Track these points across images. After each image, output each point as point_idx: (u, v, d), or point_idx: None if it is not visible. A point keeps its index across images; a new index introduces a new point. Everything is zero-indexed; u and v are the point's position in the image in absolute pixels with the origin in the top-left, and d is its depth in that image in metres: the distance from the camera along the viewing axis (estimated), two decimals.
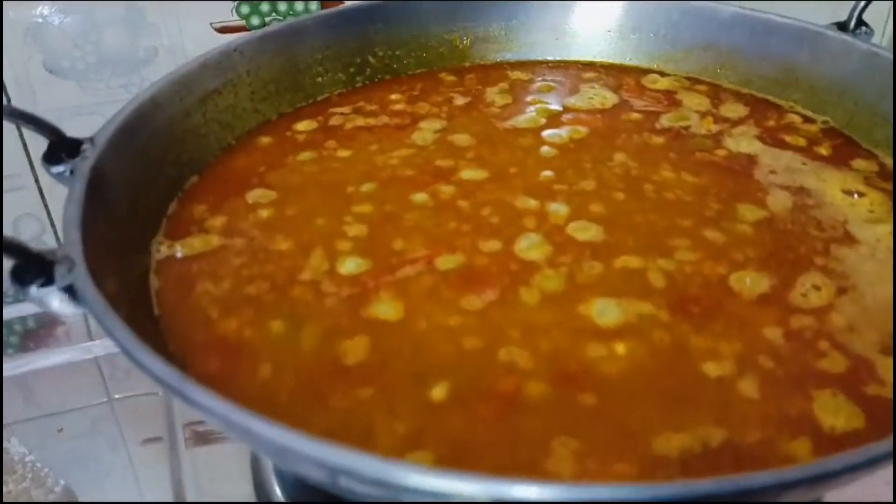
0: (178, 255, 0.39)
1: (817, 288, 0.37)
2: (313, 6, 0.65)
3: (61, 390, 0.54)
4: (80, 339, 0.57)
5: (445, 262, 0.39)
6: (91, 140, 0.39)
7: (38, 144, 0.38)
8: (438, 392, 0.31)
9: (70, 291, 0.30)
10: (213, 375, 0.32)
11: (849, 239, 0.40)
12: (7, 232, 0.57)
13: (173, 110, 0.45)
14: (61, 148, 0.38)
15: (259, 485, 0.44)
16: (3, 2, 0.58)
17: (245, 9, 0.64)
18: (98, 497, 0.45)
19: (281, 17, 0.65)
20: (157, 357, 0.27)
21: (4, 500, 0.42)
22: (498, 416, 0.30)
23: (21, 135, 0.61)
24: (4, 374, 0.53)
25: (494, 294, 0.37)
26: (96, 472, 0.47)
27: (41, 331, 0.59)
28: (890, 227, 0.41)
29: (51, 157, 0.37)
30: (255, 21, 0.64)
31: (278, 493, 0.43)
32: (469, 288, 0.37)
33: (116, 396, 0.54)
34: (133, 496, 0.46)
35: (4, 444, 0.45)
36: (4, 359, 0.55)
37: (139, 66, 0.63)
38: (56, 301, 0.30)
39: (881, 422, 0.30)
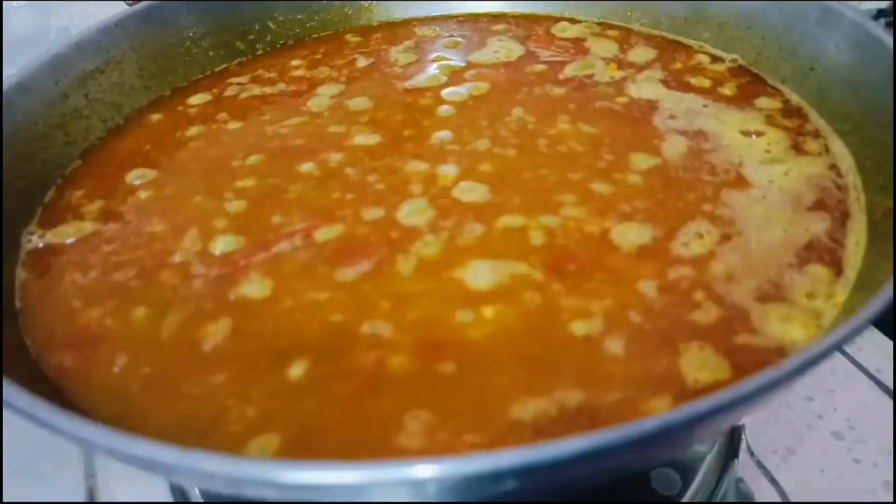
0: (41, 245, 0.38)
1: (700, 236, 0.36)
2: None
3: None
4: None
5: (324, 233, 0.37)
6: None
7: None
8: (295, 372, 0.30)
9: None
10: (67, 369, 0.31)
11: (741, 182, 0.39)
12: None
13: (47, 94, 0.44)
14: None
15: (176, 484, 0.43)
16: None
17: None
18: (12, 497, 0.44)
19: None
20: None
21: None
22: (354, 394, 0.30)
23: None
24: None
25: (370, 265, 0.35)
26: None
27: None
28: (785, 167, 0.40)
29: None
30: None
31: (196, 491, 0.41)
32: (344, 260, 0.36)
33: None
34: (46, 496, 0.45)
35: None
36: None
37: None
38: None
39: (747, 372, 0.29)
